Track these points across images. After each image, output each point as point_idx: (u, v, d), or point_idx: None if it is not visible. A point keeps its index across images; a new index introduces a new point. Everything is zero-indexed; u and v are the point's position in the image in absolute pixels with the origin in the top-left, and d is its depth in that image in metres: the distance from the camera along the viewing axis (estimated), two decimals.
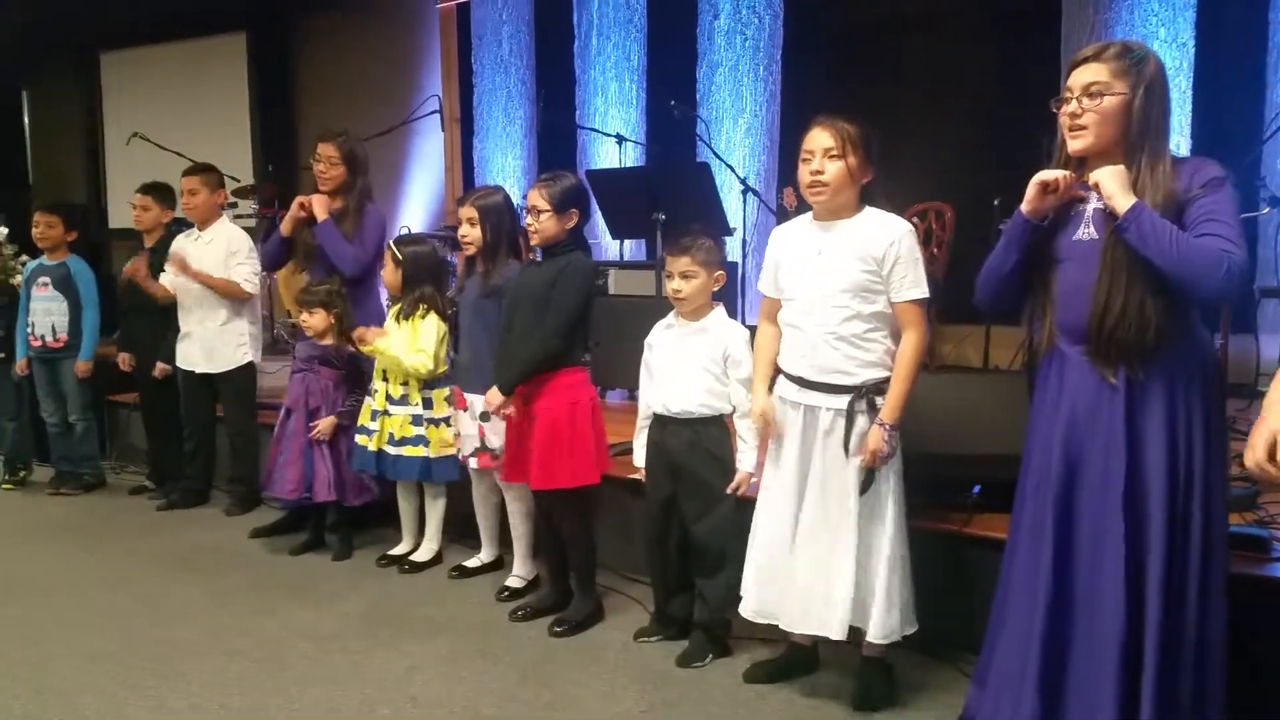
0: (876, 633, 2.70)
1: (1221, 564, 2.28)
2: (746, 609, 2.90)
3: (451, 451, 3.90)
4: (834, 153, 2.63)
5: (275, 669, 3.12)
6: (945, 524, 3.06)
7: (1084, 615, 2.28)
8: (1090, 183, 2.23)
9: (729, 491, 3.06)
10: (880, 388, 2.68)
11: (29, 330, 5.13)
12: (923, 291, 2.67)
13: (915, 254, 2.67)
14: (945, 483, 2.83)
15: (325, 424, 4.10)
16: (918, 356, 2.67)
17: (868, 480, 2.67)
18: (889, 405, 2.65)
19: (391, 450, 3.94)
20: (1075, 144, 2.27)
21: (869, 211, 2.70)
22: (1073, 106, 2.25)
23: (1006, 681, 2.37)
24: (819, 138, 2.66)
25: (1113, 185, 2.17)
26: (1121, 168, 2.20)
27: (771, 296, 2.89)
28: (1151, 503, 2.21)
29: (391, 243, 4.03)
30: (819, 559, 2.72)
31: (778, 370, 2.86)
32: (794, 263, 2.78)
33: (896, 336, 2.72)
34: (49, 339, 5.11)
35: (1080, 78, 2.24)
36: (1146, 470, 2.22)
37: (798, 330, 2.75)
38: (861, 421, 2.68)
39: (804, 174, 2.69)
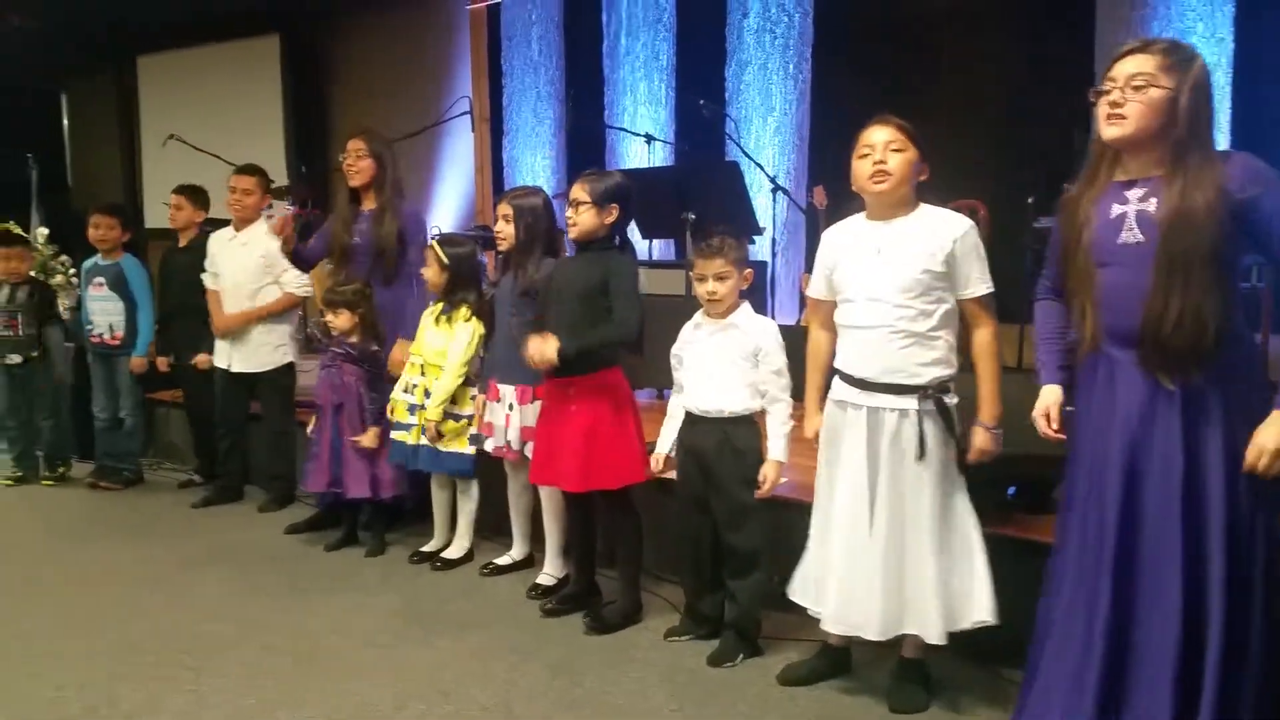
0: (982, 615, 2.67)
1: (1277, 566, 2.23)
2: (826, 620, 2.78)
3: (460, 448, 3.94)
4: (895, 146, 2.63)
5: (309, 664, 3.14)
6: (982, 525, 3.03)
7: (1144, 624, 2.22)
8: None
9: (759, 484, 3.04)
10: (945, 386, 2.66)
11: (89, 327, 5.23)
12: (989, 286, 2.66)
13: (980, 250, 2.66)
14: (981, 483, 2.80)
15: (369, 437, 4.12)
16: (996, 349, 2.67)
17: (922, 447, 2.64)
18: (986, 404, 2.65)
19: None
20: (1112, 130, 2.21)
21: (926, 208, 2.69)
22: (1114, 95, 2.19)
23: (1055, 686, 2.32)
24: (879, 133, 2.65)
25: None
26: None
27: (825, 299, 2.85)
28: (1210, 507, 2.16)
29: (436, 243, 4.03)
30: (898, 564, 2.67)
31: (832, 374, 2.83)
32: (851, 263, 2.74)
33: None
34: (106, 337, 5.21)
35: (1125, 68, 2.19)
36: (1206, 474, 2.17)
37: (858, 330, 2.71)
38: (929, 423, 2.65)
39: (864, 167, 2.67)
